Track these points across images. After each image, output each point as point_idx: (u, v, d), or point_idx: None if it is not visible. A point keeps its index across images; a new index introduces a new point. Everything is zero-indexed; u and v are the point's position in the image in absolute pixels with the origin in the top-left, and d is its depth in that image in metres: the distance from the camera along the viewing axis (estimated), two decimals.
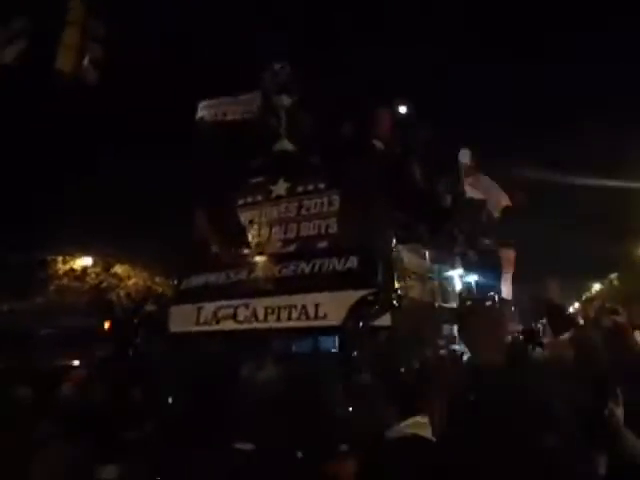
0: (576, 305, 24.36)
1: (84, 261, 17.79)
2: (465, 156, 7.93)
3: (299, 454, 3.26)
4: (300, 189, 5.98)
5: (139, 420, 4.30)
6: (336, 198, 5.69)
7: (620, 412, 2.69)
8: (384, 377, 3.28)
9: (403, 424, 2.34)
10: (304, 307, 5.00)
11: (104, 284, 17.84)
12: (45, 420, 3.94)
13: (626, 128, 16.77)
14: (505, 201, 8.54)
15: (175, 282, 6.59)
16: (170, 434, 3.93)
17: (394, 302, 4.84)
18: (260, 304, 5.25)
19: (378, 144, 6.23)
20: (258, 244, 5.76)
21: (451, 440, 2.04)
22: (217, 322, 5.39)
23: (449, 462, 1.91)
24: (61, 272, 17.35)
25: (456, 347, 5.49)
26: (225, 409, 4.32)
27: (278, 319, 5.11)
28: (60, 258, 17.37)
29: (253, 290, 5.42)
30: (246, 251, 5.75)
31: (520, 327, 8.96)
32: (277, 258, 5.59)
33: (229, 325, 5.31)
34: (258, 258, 5.68)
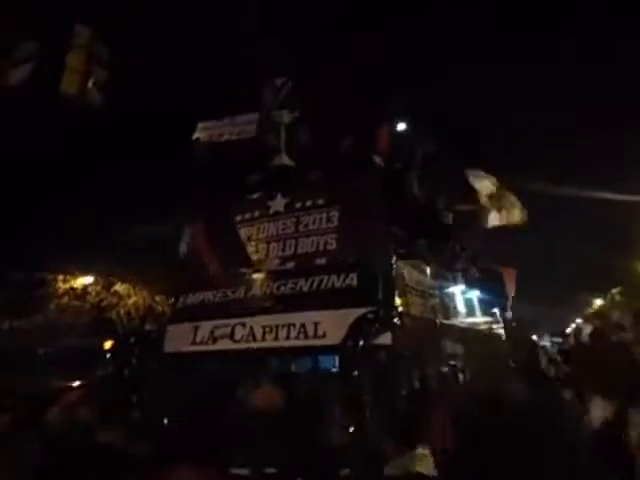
0: (578, 321, 24.05)
1: (85, 280, 17.71)
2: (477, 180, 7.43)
3: None
4: (298, 205, 5.90)
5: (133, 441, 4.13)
6: (335, 214, 5.62)
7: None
8: (384, 401, 3.17)
9: (405, 457, 2.22)
10: (303, 325, 4.89)
11: (104, 303, 17.72)
12: (25, 450, 3.72)
13: (630, 142, 16.72)
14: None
15: (172, 300, 6.49)
16: (165, 456, 3.80)
17: (395, 320, 4.74)
18: (258, 323, 5.14)
19: (377, 160, 6.19)
20: (256, 261, 5.67)
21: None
22: (214, 341, 5.27)
23: None
24: (61, 291, 17.26)
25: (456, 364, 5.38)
26: (222, 431, 4.20)
27: (276, 338, 5.00)
28: (60, 277, 17.30)
29: (251, 308, 5.32)
30: (244, 268, 5.66)
31: None
32: (275, 275, 5.50)
33: (226, 344, 5.19)
34: (256, 275, 5.59)
